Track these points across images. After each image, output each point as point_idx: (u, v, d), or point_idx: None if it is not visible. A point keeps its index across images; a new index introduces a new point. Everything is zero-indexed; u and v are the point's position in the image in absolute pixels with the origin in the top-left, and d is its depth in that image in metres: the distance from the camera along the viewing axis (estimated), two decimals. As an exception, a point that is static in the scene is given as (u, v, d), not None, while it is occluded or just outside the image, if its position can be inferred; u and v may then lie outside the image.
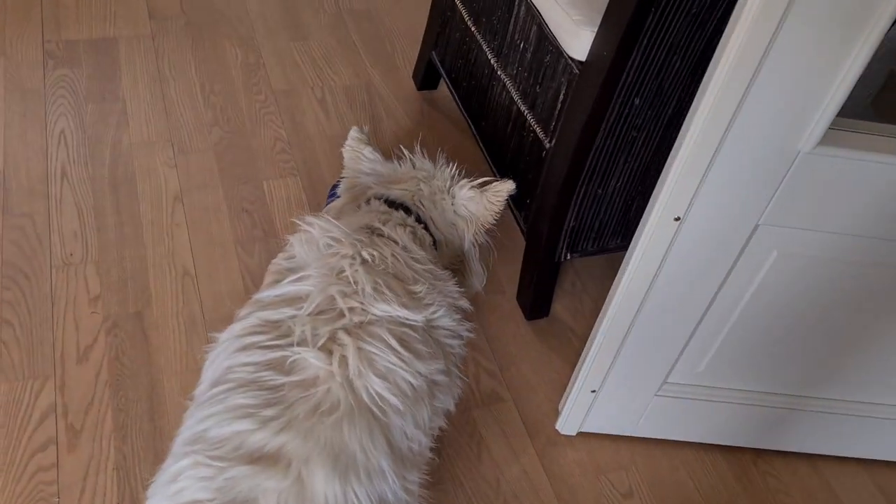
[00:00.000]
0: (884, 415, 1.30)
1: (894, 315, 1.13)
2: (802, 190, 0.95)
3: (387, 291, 0.98)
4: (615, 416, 1.32)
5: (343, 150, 1.25)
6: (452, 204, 1.19)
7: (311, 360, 0.90)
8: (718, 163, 0.92)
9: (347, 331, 0.93)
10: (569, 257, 1.45)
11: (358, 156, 1.24)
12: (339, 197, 1.29)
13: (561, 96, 1.29)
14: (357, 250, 1.01)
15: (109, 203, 1.56)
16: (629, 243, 1.50)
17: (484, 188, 1.18)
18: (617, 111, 1.22)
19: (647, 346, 1.18)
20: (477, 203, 1.18)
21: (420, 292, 1.03)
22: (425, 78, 1.91)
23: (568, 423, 1.32)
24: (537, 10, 1.31)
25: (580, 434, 1.36)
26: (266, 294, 1.00)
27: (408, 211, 1.16)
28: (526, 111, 1.41)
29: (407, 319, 0.98)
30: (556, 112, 1.31)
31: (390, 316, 0.97)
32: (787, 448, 1.38)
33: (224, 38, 1.97)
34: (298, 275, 0.99)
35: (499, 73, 1.49)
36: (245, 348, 0.93)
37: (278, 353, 0.91)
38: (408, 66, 1.99)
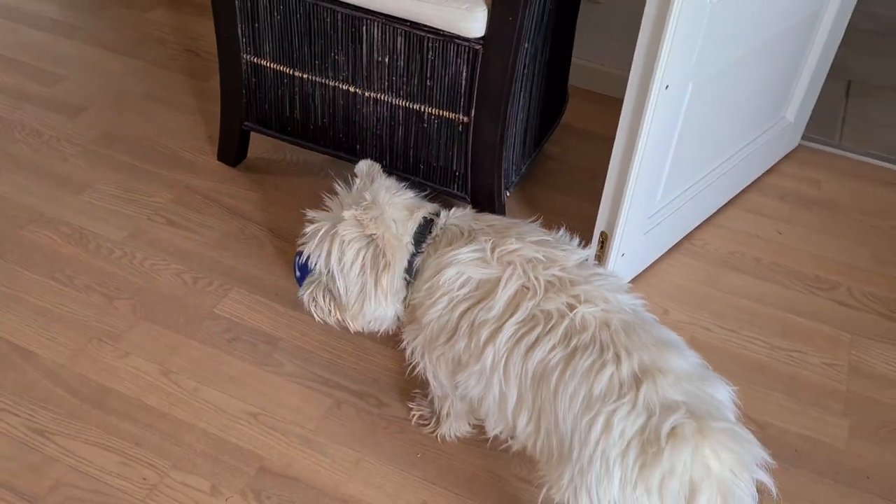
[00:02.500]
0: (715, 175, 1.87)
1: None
2: (714, 34, 1.39)
3: (548, 246, 1.18)
4: (621, 272, 1.68)
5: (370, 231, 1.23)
6: None
7: (588, 310, 1.09)
8: (676, 31, 1.30)
9: (578, 282, 1.14)
10: (508, 195, 1.74)
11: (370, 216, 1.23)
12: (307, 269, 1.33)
13: (465, 74, 1.54)
14: (509, 241, 1.18)
15: (117, 421, 1.41)
16: (530, 160, 1.84)
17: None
18: (520, 61, 1.52)
19: (643, 195, 1.55)
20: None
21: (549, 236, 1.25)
22: (239, 151, 1.95)
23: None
24: (404, 23, 1.52)
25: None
26: (489, 313, 1.13)
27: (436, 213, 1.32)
28: (420, 107, 1.63)
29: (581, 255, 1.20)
30: (464, 90, 1.56)
31: (580, 259, 1.19)
32: (699, 222, 1.89)
33: (15, 230, 1.75)
34: (503, 286, 1.13)
35: (365, 94, 1.67)
36: (534, 344, 1.08)
37: (563, 326, 1.09)
38: (198, 153, 2.00)
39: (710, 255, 1.84)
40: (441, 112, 1.62)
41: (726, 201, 1.96)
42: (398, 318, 1.30)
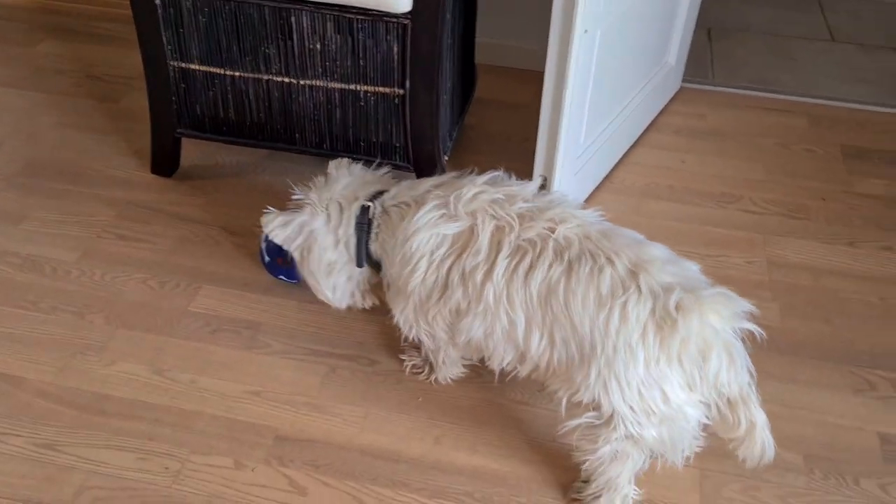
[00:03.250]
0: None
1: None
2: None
3: (501, 184, 1.31)
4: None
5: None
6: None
7: (567, 229, 1.22)
8: (589, -16, 1.47)
9: (545, 208, 1.26)
10: (447, 159, 1.86)
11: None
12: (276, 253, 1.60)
13: (396, 48, 1.65)
14: (464, 190, 1.29)
15: (123, 423, 1.43)
16: (458, 127, 1.98)
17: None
18: (445, 31, 1.65)
19: (572, 137, 1.72)
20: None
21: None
22: (172, 161, 1.98)
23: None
24: (332, 8, 1.62)
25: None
26: (477, 257, 1.23)
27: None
28: (356, 87, 1.73)
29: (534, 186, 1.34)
30: (396, 64, 1.67)
31: (534, 189, 1.32)
32: (614, 163, 2.09)
33: (-39, 267, 1.72)
34: (480, 231, 1.24)
35: (300, 83, 1.75)
36: (530, 269, 1.19)
37: (550, 247, 1.20)
38: (130, 170, 2.01)
39: (629, 189, 2.03)
40: (377, 88, 1.72)
41: (632, 142, 2.17)
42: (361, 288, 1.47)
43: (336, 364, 1.56)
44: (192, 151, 2.06)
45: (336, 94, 1.75)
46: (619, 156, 2.11)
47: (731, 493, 1.35)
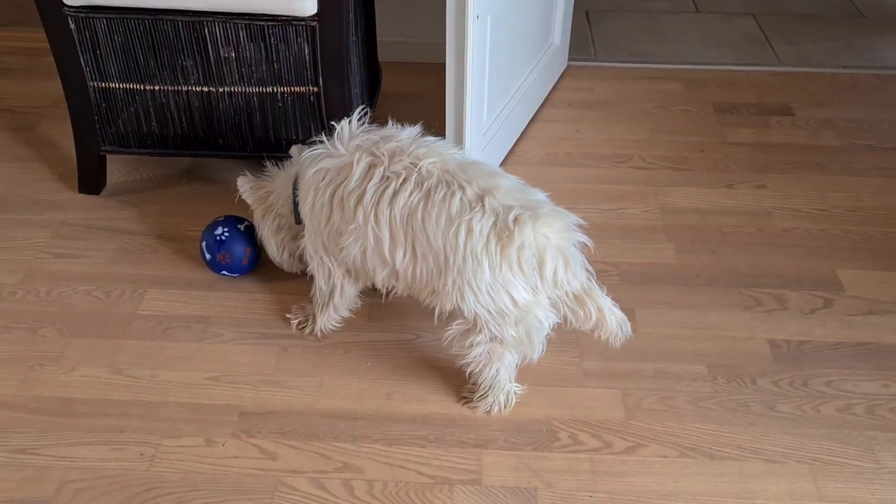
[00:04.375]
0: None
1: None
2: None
3: (382, 130, 1.51)
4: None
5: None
6: None
7: (429, 163, 1.40)
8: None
9: (414, 147, 1.44)
10: (363, 148, 2.01)
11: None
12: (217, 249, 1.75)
13: (307, 49, 1.79)
14: (340, 135, 1.50)
15: (91, 421, 1.52)
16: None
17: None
18: (350, 29, 1.80)
19: (476, 115, 1.89)
20: None
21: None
22: (100, 178, 2.05)
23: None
24: (243, 17, 1.74)
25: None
26: (350, 186, 1.42)
27: None
28: (272, 89, 1.85)
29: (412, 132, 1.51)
30: (308, 64, 1.81)
31: (411, 135, 1.49)
32: (516, 138, 2.28)
33: None
34: (356, 164, 1.43)
35: (219, 91, 1.86)
36: (394, 196, 1.39)
37: (413, 177, 1.39)
38: (57, 193, 2.08)
39: (532, 160, 2.23)
40: (292, 89, 1.85)
41: (530, 118, 2.37)
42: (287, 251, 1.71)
43: (287, 344, 1.68)
44: (117, 168, 2.14)
45: (254, 98, 1.88)
46: (520, 131, 2.30)
47: (650, 405, 1.55)
